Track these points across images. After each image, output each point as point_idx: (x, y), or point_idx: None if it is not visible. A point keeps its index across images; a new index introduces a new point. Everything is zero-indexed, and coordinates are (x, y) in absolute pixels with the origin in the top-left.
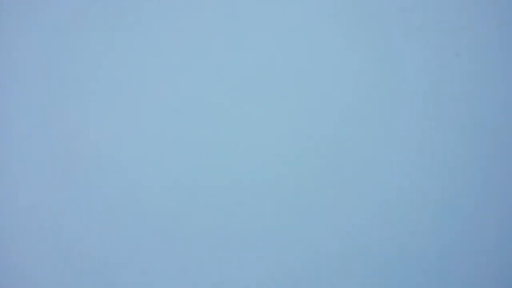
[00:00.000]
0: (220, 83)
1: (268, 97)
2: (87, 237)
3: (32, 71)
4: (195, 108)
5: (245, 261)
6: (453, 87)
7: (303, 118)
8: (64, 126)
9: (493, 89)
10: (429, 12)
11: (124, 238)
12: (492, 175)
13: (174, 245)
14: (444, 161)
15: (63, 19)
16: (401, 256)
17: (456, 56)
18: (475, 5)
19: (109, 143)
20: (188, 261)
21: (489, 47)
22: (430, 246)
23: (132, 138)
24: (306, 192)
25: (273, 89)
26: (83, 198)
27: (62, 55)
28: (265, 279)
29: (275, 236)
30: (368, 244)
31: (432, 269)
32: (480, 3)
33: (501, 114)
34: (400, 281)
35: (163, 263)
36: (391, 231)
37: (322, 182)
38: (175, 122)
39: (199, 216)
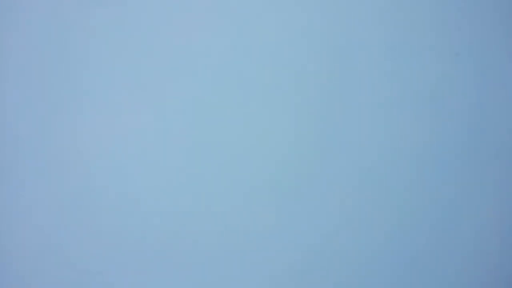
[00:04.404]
0: (218, 85)
1: (267, 97)
2: (87, 238)
3: (33, 71)
4: (194, 109)
5: (244, 261)
6: (453, 87)
7: (301, 118)
8: (65, 127)
9: (493, 89)
10: (429, 12)
11: (124, 239)
12: (492, 175)
13: (174, 245)
14: (443, 160)
15: (64, 19)
16: (396, 254)
17: (456, 56)
18: (475, 5)
19: (109, 144)
20: (188, 261)
21: (489, 47)
22: (426, 243)
23: (132, 138)
24: (303, 191)
25: (273, 90)
26: (83, 198)
27: (63, 55)
28: (265, 279)
29: (273, 236)
30: (363, 244)
31: (428, 267)
32: (480, 3)
33: (501, 113)
34: (394, 276)
35: (162, 263)
36: (386, 232)
37: (321, 182)
38: (174, 123)
39: (199, 216)
